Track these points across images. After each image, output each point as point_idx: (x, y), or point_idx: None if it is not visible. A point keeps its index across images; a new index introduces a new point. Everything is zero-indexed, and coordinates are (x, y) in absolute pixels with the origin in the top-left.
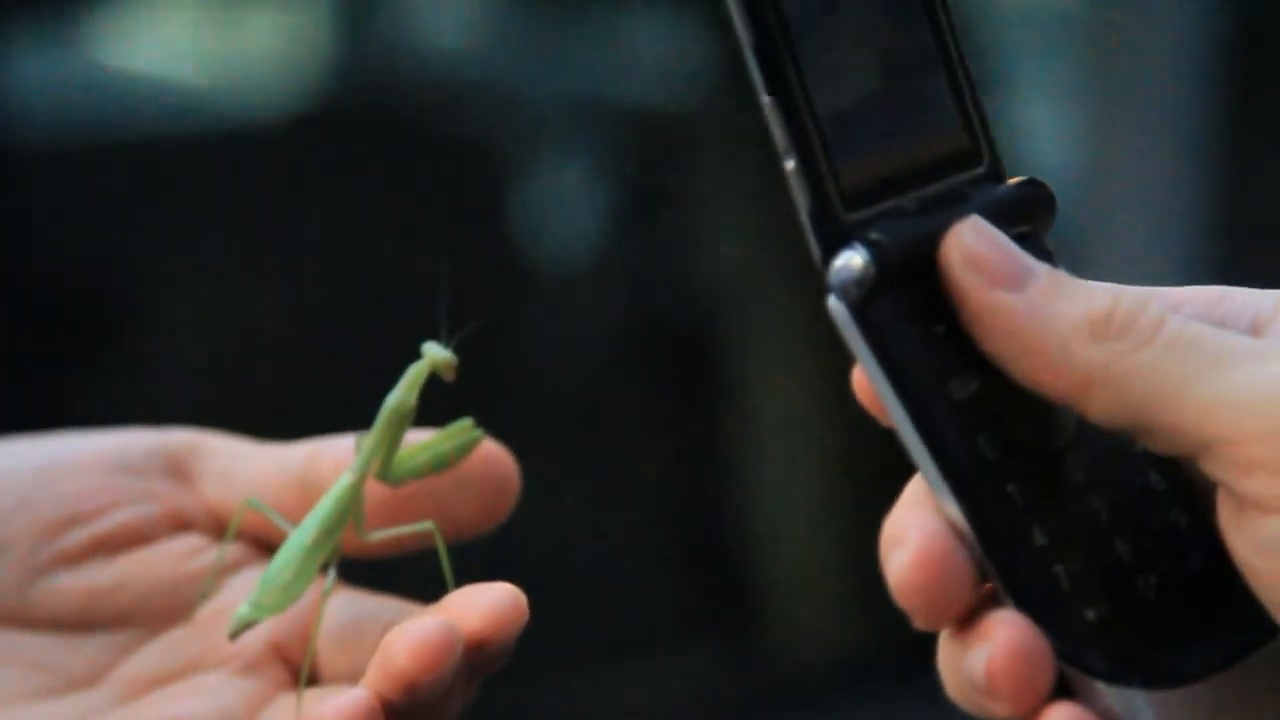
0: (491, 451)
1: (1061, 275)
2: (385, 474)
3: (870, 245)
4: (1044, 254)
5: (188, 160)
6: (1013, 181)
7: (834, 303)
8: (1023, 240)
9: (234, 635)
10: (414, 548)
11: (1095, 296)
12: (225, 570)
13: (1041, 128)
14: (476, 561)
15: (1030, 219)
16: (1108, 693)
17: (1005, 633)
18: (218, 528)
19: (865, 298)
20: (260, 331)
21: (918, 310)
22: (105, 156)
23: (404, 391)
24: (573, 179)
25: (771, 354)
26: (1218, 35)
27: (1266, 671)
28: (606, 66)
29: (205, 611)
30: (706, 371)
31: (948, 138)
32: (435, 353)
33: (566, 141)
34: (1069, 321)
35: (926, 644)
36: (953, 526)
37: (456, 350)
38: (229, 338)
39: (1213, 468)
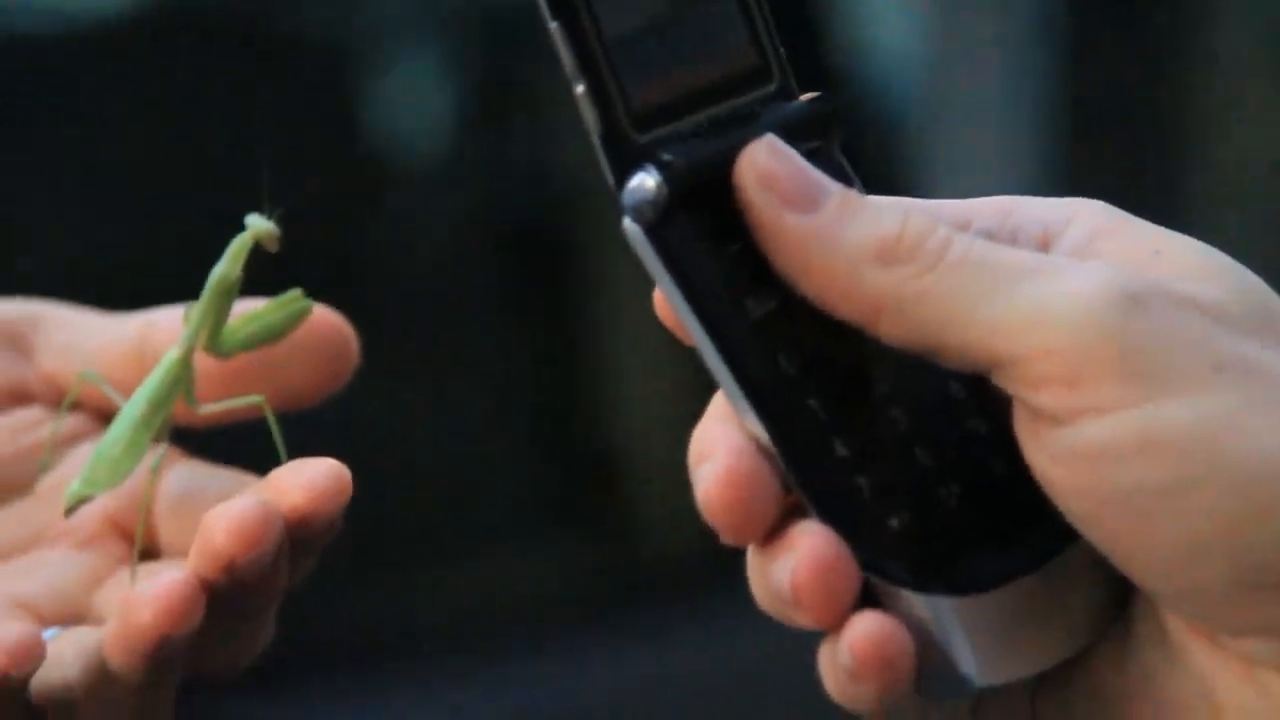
0: (326, 319)
1: (853, 196)
2: (214, 346)
3: (662, 166)
4: (837, 169)
5: (23, 61)
6: (804, 98)
7: (629, 224)
8: (814, 156)
9: (69, 512)
10: (246, 417)
11: (883, 219)
12: (66, 442)
13: (884, 17)
14: (337, 455)
15: (822, 134)
16: (914, 600)
17: (808, 544)
18: (58, 400)
19: (659, 219)
20: (101, 233)
21: (712, 229)
22: None
23: (228, 263)
24: (423, 74)
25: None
26: None
27: (1071, 575)
28: None
29: (45, 484)
30: (562, 266)
31: (738, 56)
32: (258, 224)
33: (416, 36)
34: (857, 245)
35: None
36: (756, 442)
37: (279, 222)
38: (69, 240)
39: (1005, 383)
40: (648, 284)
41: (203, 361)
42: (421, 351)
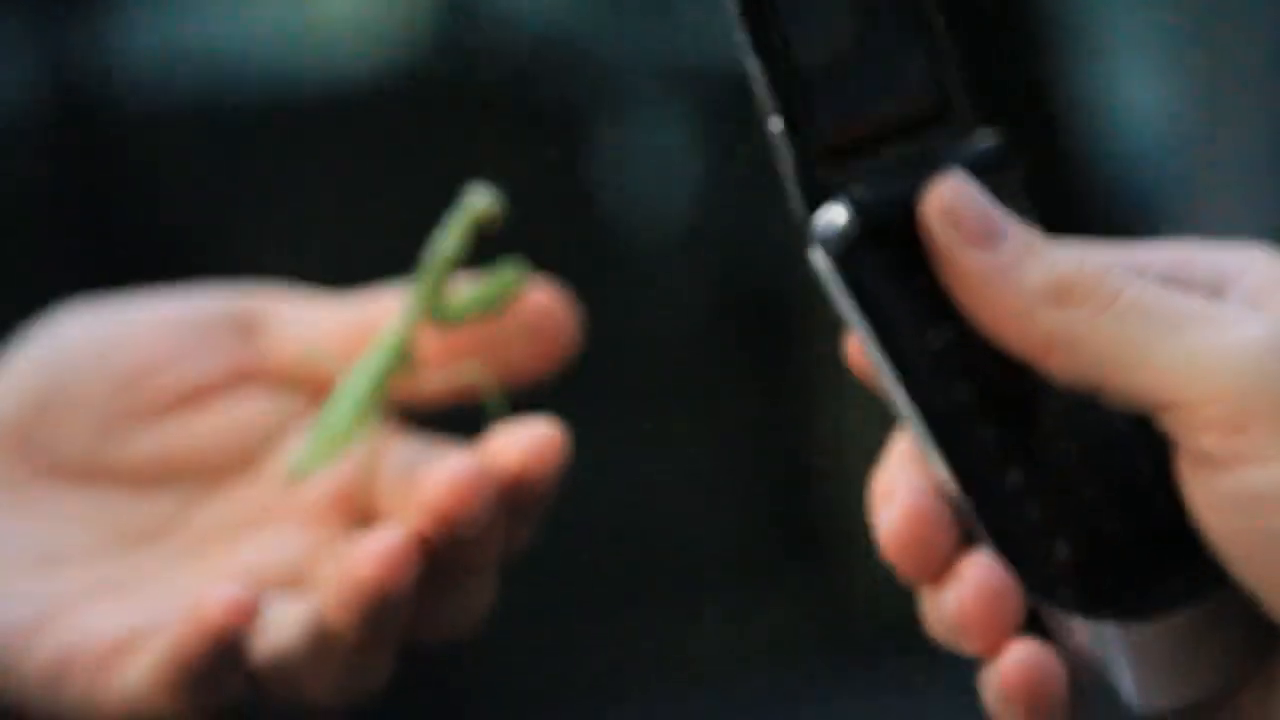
0: (546, 296)
1: (1032, 236)
2: (434, 318)
3: (853, 200)
4: (1018, 206)
5: (280, 127)
6: (984, 135)
7: (818, 255)
8: (996, 193)
9: (292, 486)
10: (466, 394)
11: (1060, 260)
12: (290, 422)
13: (1144, 84)
14: (582, 503)
15: (1002, 171)
16: (1080, 627)
17: (975, 574)
18: (284, 381)
19: (848, 251)
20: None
21: (897, 263)
22: (200, 123)
23: (451, 235)
24: (664, 143)
25: None
26: None
27: (1225, 613)
28: (697, 30)
29: (271, 463)
30: (793, 332)
31: (923, 95)
32: (479, 199)
33: (658, 106)
34: (1034, 284)
35: None
36: (935, 480)
37: (499, 202)
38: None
39: (1169, 426)
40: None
41: (423, 339)
42: (652, 409)
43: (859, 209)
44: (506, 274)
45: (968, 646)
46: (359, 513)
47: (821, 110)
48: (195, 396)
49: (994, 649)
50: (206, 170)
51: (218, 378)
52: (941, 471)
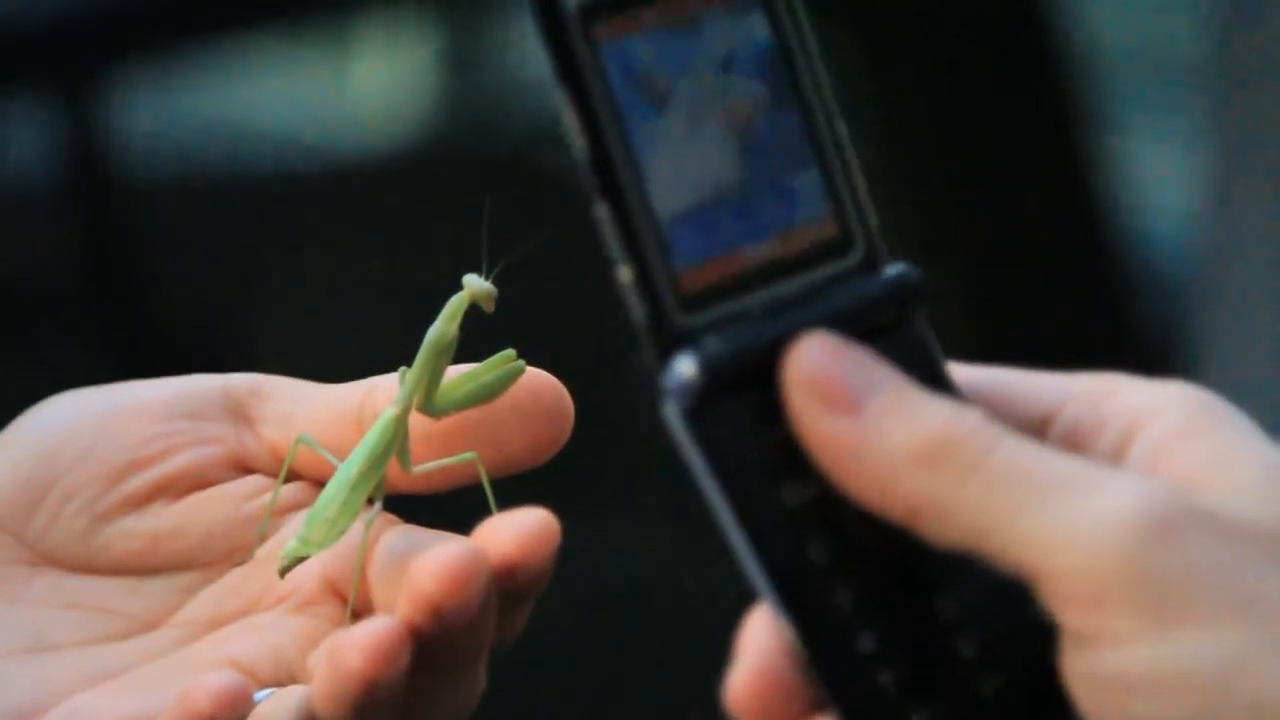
0: (541, 381)
1: (902, 392)
2: (428, 406)
3: (701, 352)
4: (911, 347)
5: (302, 198)
6: (889, 270)
7: (668, 407)
8: (886, 334)
9: (283, 571)
10: (460, 481)
11: (927, 420)
12: (284, 510)
13: (1161, 172)
14: (589, 600)
15: (900, 311)
16: None
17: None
18: (279, 469)
19: (696, 405)
20: (371, 365)
21: (754, 415)
22: (220, 196)
23: (444, 323)
24: None
25: None
26: None
27: None
28: None
29: (263, 551)
30: None
31: (813, 227)
32: (475, 284)
33: None
34: (898, 447)
35: None
36: (785, 641)
37: (496, 282)
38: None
39: (1041, 596)
40: None
41: (417, 424)
42: (678, 482)
43: (706, 362)
44: (502, 361)
45: None
46: (352, 601)
47: (679, 256)
48: (188, 484)
49: None
50: (224, 245)
51: (211, 465)
52: (789, 633)
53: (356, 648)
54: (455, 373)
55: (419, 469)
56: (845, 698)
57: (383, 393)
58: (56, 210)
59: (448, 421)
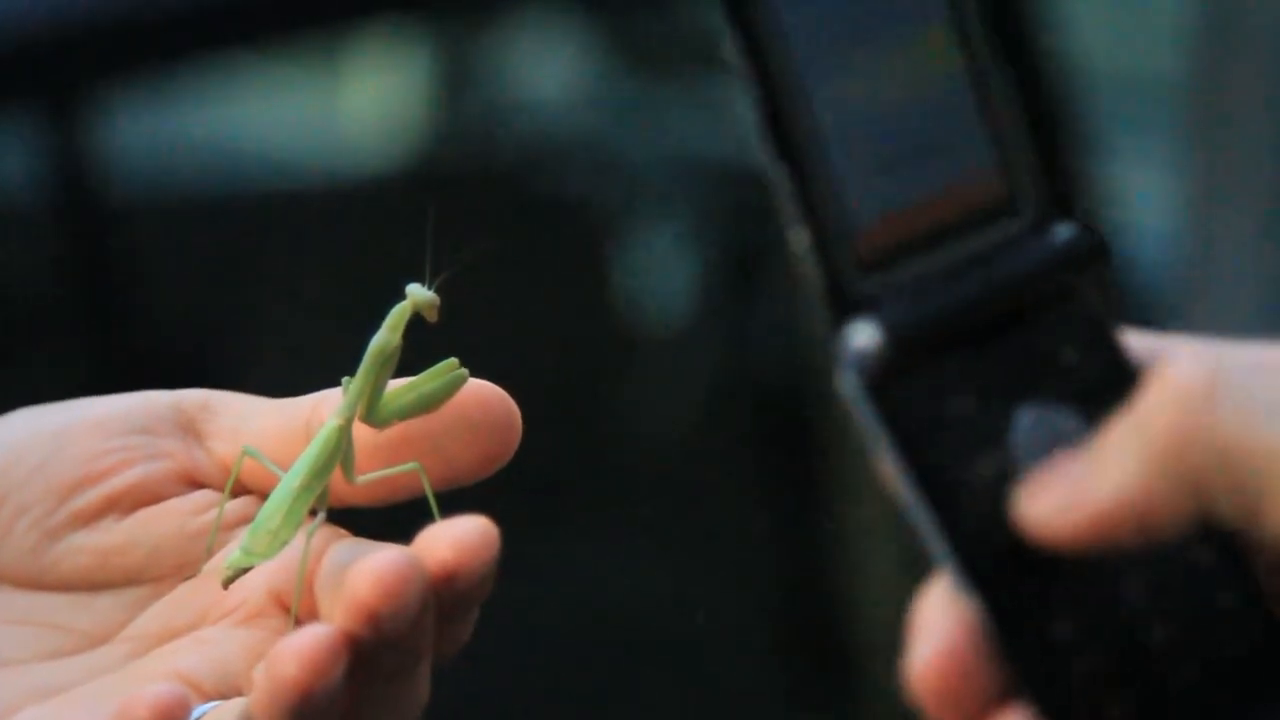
0: (487, 391)
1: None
2: (371, 416)
3: (887, 318)
4: (1094, 322)
5: (292, 219)
6: (1060, 230)
7: (847, 379)
8: (1069, 301)
9: (226, 583)
10: (404, 492)
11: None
12: (232, 524)
13: (1143, 192)
14: (564, 623)
15: (1076, 271)
16: None
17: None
18: (225, 482)
19: (878, 377)
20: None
21: (941, 383)
22: (209, 214)
23: (387, 332)
24: (671, 236)
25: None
26: None
27: None
28: (703, 128)
29: (211, 565)
30: (805, 425)
31: (983, 187)
32: (418, 293)
33: (664, 200)
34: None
35: None
36: (974, 622)
37: (438, 291)
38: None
39: None
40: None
41: (361, 436)
42: (659, 505)
43: (892, 328)
44: (444, 370)
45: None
46: (294, 612)
47: (856, 215)
48: (138, 499)
49: None
50: (213, 262)
51: (161, 480)
52: (981, 615)
53: (292, 656)
54: (398, 383)
55: (363, 479)
56: (1035, 684)
57: (331, 405)
58: (44, 227)
59: (394, 433)
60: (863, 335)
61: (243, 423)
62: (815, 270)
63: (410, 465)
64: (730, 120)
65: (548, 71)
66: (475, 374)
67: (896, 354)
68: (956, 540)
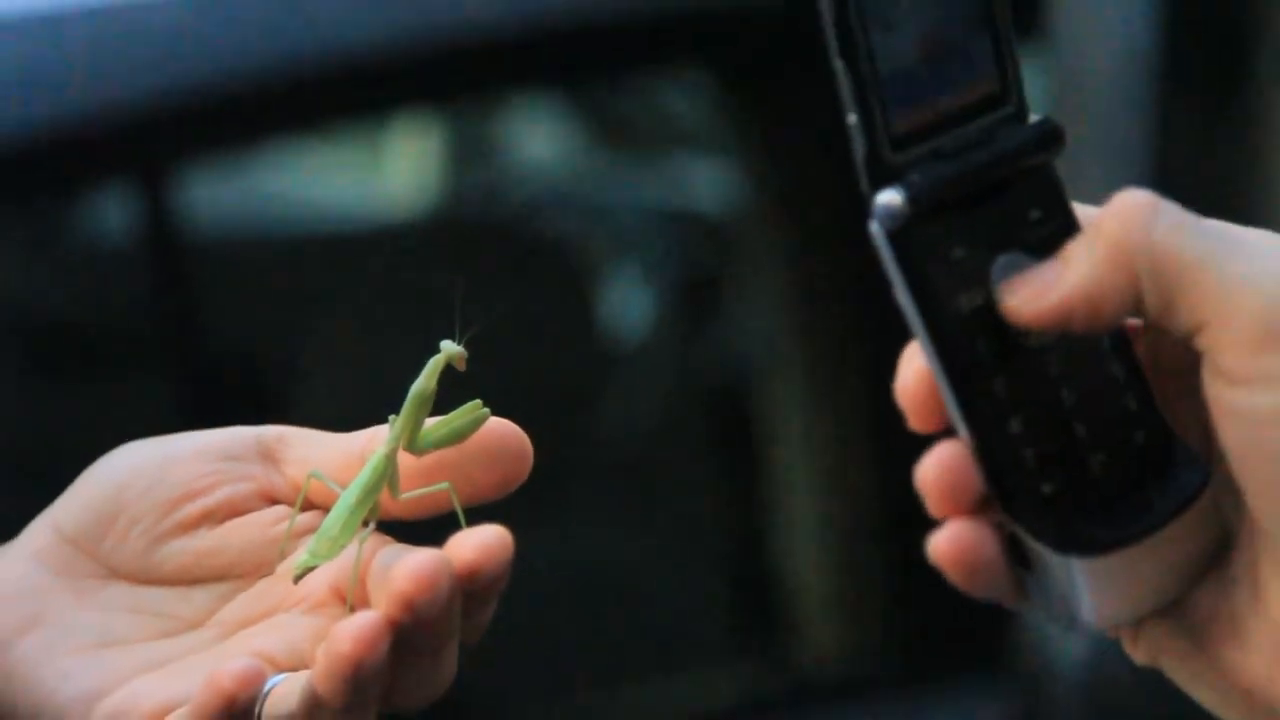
0: (506, 427)
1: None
2: (411, 446)
3: (909, 185)
4: (1056, 186)
5: (341, 261)
6: (1032, 120)
7: (875, 229)
8: (1038, 173)
9: (296, 579)
10: (438, 507)
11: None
12: (301, 532)
13: None
14: (553, 586)
15: (1045, 152)
16: (1050, 555)
17: (943, 453)
18: (296, 499)
19: (899, 230)
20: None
21: (940, 239)
22: (271, 262)
23: (425, 379)
24: (638, 272)
25: (803, 410)
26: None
27: (1180, 537)
28: (664, 188)
29: (284, 566)
30: (748, 423)
31: (985, 85)
32: (450, 347)
33: (634, 243)
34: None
35: (925, 653)
36: (956, 426)
37: (467, 346)
38: (364, 403)
39: (1205, 345)
40: (810, 438)
41: (404, 462)
42: (629, 489)
43: (912, 194)
44: (470, 410)
45: (930, 508)
46: (350, 602)
47: (891, 107)
48: (227, 513)
49: (943, 515)
50: (272, 301)
51: (245, 498)
52: (955, 417)
53: (347, 636)
54: (433, 420)
55: (405, 497)
56: (995, 469)
57: (380, 438)
58: (136, 274)
59: (430, 460)
60: (890, 196)
61: (310, 452)
62: (858, 146)
63: (442, 485)
64: (685, 183)
65: (541, 143)
66: (482, 379)
67: (914, 212)
68: (944, 353)
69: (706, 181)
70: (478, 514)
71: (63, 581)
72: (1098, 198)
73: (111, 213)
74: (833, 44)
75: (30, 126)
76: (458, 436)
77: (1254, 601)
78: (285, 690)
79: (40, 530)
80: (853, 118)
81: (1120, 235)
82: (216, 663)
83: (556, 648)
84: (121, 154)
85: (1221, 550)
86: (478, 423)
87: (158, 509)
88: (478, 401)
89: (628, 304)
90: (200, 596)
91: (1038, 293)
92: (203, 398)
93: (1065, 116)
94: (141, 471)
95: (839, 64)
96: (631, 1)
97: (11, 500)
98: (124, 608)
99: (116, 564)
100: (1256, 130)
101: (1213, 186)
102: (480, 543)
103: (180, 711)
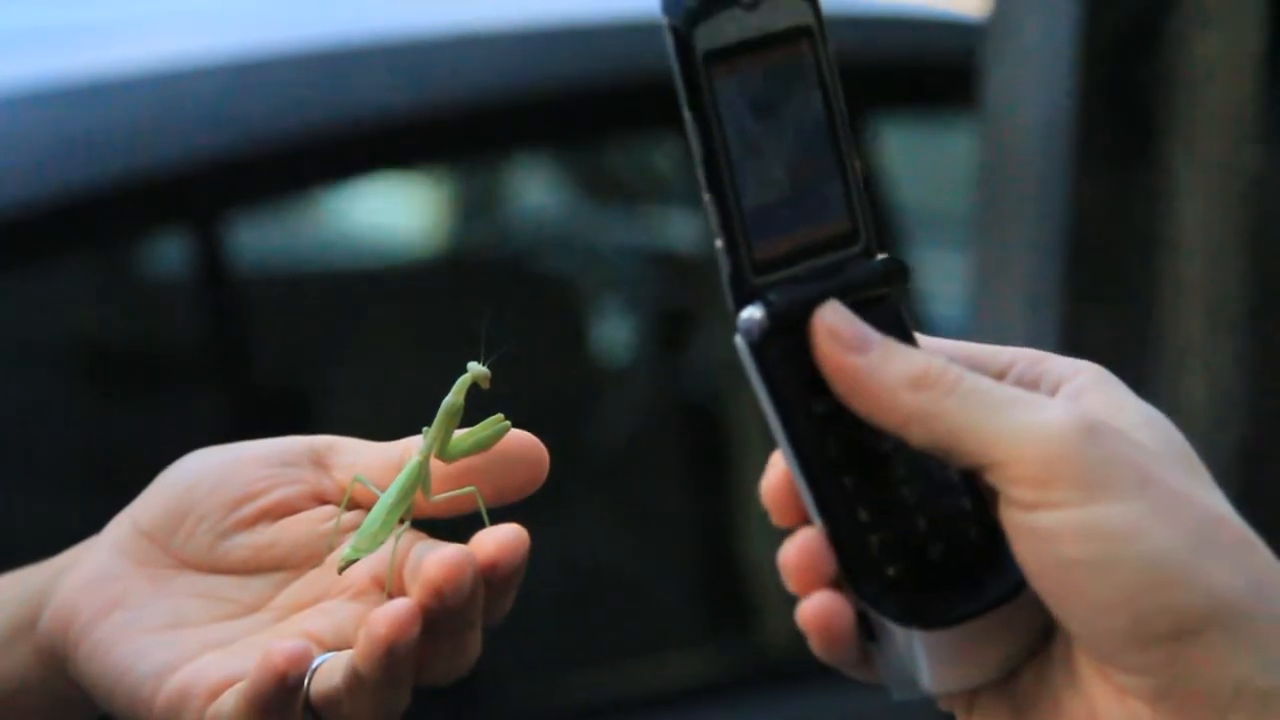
0: (525, 438)
1: (891, 343)
2: (442, 454)
3: (768, 304)
4: (895, 316)
5: (369, 294)
6: (879, 257)
7: (739, 342)
8: (879, 303)
9: (341, 570)
10: (465, 508)
11: (915, 359)
12: (347, 529)
13: (936, 292)
14: (552, 579)
15: (888, 286)
16: (895, 629)
17: (802, 539)
18: (342, 500)
19: (761, 341)
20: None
21: (796, 351)
22: (311, 292)
23: (454, 395)
24: (625, 303)
25: (763, 421)
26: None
27: (1012, 619)
28: (648, 232)
29: (332, 558)
30: (717, 432)
31: (838, 224)
32: (475, 368)
33: (621, 279)
34: (896, 377)
35: None
36: (812, 517)
37: (492, 368)
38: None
39: (993, 479)
40: (770, 445)
41: (435, 468)
42: (616, 490)
43: (770, 310)
44: (494, 423)
45: (789, 585)
46: (388, 590)
47: (753, 236)
48: (282, 511)
49: (803, 594)
50: (312, 327)
51: (298, 499)
52: (811, 507)
53: (384, 619)
54: (461, 431)
55: (436, 498)
56: (846, 553)
57: (415, 446)
58: (194, 307)
59: (458, 466)
60: (751, 313)
61: (355, 459)
62: (724, 268)
63: (469, 489)
64: (663, 228)
65: (541, 195)
66: (493, 394)
67: (772, 327)
68: (799, 450)
69: (681, 227)
70: (495, 514)
71: (140, 570)
72: (1022, 250)
73: (172, 254)
74: (702, 180)
75: (102, 180)
76: (483, 446)
77: (1071, 682)
78: (330, 667)
79: (120, 526)
80: (720, 243)
81: (925, 404)
82: (272, 643)
83: (552, 631)
84: (180, 204)
85: (1046, 633)
86: (501, 434)
87: (222, 507)
88: (500, 415)
89: (616, 331)
90: (258, 584)
91: (843, 346)
92: (253, 414)
93: (994, 177)
94: (208, 475)
95: (707, 197)
96: (618, 76)
97: (92, 501)
98: (192, 594)
99: (186, 555)
100: (1162, 186)
101: (1123, 240)
102: (500, 539)
103: (239, 685)
